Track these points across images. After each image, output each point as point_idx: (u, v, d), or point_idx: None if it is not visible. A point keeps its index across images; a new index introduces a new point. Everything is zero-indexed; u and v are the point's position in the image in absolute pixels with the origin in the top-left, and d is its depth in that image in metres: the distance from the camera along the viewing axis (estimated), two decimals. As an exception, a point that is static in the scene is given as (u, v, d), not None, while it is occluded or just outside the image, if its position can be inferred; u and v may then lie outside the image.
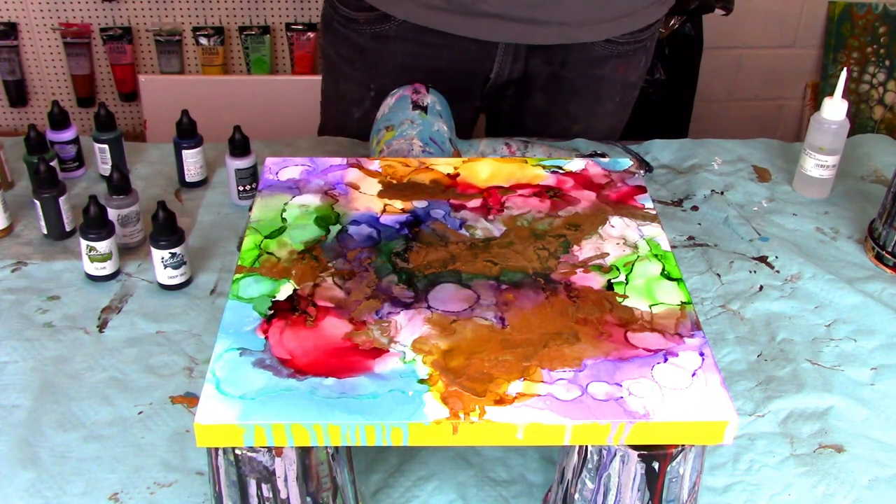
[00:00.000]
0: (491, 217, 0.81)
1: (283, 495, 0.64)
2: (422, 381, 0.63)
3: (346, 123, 1.27)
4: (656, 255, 0.77)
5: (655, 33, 1.24)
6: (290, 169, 0.87)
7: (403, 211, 0.81)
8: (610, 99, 1.25)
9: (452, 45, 1.15)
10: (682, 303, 0.71)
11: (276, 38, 2.30)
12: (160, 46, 2.29)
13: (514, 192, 0.84)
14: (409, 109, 1.05)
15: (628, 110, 1.31)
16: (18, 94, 2.34)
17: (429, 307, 0.70)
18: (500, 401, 0.62)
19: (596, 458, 0.65)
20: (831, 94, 1.11)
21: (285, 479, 0.63)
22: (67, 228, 1.04)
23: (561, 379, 0.63)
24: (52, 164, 1.07)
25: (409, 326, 0.68)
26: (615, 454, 0.63)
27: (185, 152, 1.12)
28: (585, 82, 1.22)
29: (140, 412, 0.84)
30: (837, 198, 1.17)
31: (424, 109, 1.05)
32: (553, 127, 1.24)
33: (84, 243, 0.96)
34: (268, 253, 0.75)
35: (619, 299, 0.71)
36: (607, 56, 1.20)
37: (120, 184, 1.00)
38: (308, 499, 0.65)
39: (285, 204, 0.82)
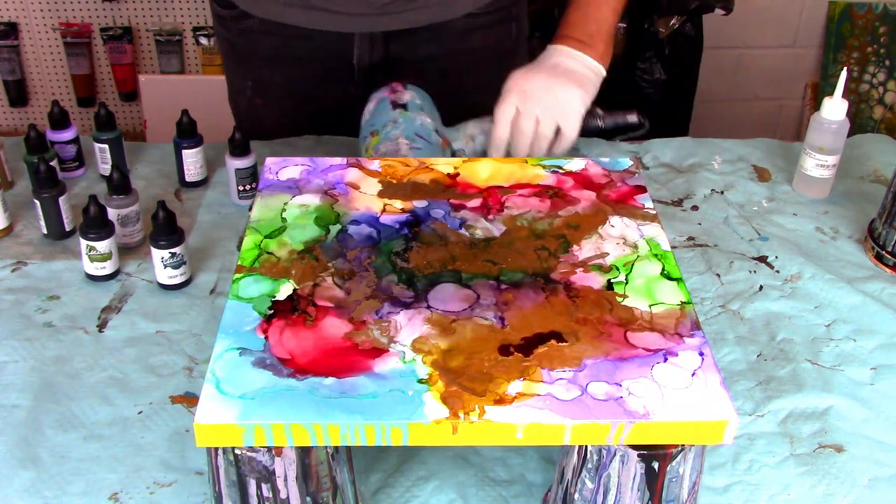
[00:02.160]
0: (491, 217, 0.81)
1: (282, 495, 0.64)
2: (422, 381, 0.63)
3: (239, 110, 1.33)
4: (656, 255, 0.77)
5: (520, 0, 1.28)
6: (290, 169, 0.87)
7: (403, 211, 0.81)
8: (501, 68, 1.22)
9: (312, 35, 1.18)
10: (682, 303, 0.71)
11: (276, 38, 2.30)
12: (160, 46, 2.29)
13: (514, 191, 0.84)
14: (389, 110, 1.05)
15: None
16: (18, 94, 2.34)
17: (429, 307, 0.70)
18: (500, 401, 0.62)
19: (596, 457, 0.64)
20: (831, 94, 1.11)
21: (285, 479, 0.63)
22: (67, 228, 1.04)
23: (561, 379, 0.63)
24: (52, 164, 1.07)
25: (408, 326, 0.68)
26: (615, 454, 0.63)
27: (185, 152, 1.12)
28: (464, 59, 1.23)
29: (140, 412, 0.84)
30: (837, 198, 1.17)
31: (404, 107, 1.05)
32: (453, 106, 1.21)
33: (84, 243, 0.96)
34: (268, 253, 0.75)
35: (619, 299, 0.71)
36: (468, 29, 1.21)
37: (120, 184, 1.00)
38: (308, 499, 0.65)
39: (285, 204, 0.82)
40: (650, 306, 0.71)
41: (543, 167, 0.88)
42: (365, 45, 1.19)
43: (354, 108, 1.23)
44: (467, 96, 1.20)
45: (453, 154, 1.06)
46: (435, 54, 1.21)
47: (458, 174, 0.86)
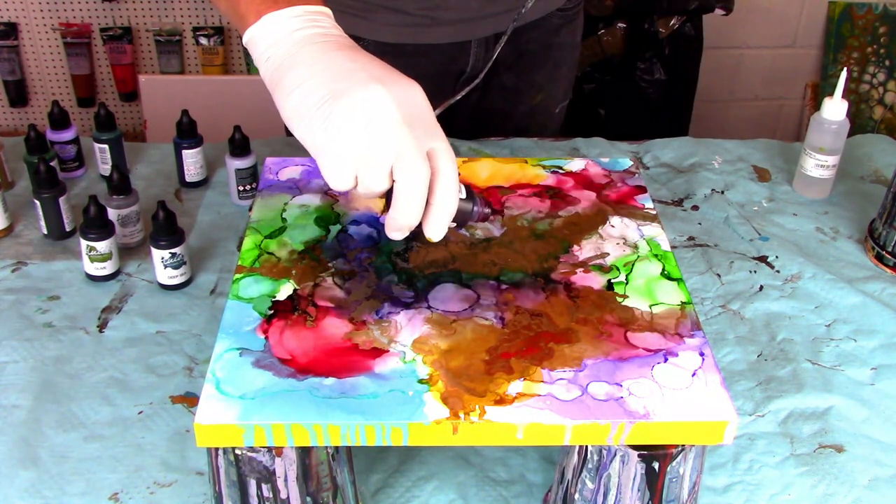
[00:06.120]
0: (491, 217, 0.81)
1: (283, 495, 0.64)
2: (422, 381, 0.63)
3: None
4: (656, 255, 0.77)
5: None
6: (290, 169, 0.87)
7: (403, 211, 0.81)
8: (566, 63, 1.34)
9: (429, 51, 1.18)
10: (682, 303, 0.71)
11: (276, 38, 2.30)
12: (160, 46, 2.29)
13: (514, 192, 0.84)
14: None
15: (574, 72, 1.43)
16: (18, 94, 2.34)
17: (429, 307, 0.70)
18: (500, 401, 0.62)
19: (596, 458, 0.64)
20: (831, 94, 1.11)
21: (285, 479, 0.63)
22: (67, 228, 1.04)
23: (561, 379, 0.63)
24: (52, 164, 1.07)
25: (409, 326, 0.68)
26: (615, 454, 0.63)
27: (185, 152, 1.12)
28: (547, 52, 1.29)
29: (140, 412, 0.84)
30: (837, 198, 1.17)
31: None
32: (520, 101, 1.31)
33: (84, 243, 0.96)
34: (268, 253, 0.75)
35: (619, 299, 0.71)
36: (561, 24, 1.28)
37: (120, 184, 1.00)
38: (308, 499, 0.65)
39: (285, 204, 0.82)
40: (650, 306, 0.71)
41: (543, 167, 0.88)
42: (481, 49, 1.21)
43: (454, 114, 1.25)
44: (537, 91, 1.32)
45: None
46: (528, 49, 1.26)
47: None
